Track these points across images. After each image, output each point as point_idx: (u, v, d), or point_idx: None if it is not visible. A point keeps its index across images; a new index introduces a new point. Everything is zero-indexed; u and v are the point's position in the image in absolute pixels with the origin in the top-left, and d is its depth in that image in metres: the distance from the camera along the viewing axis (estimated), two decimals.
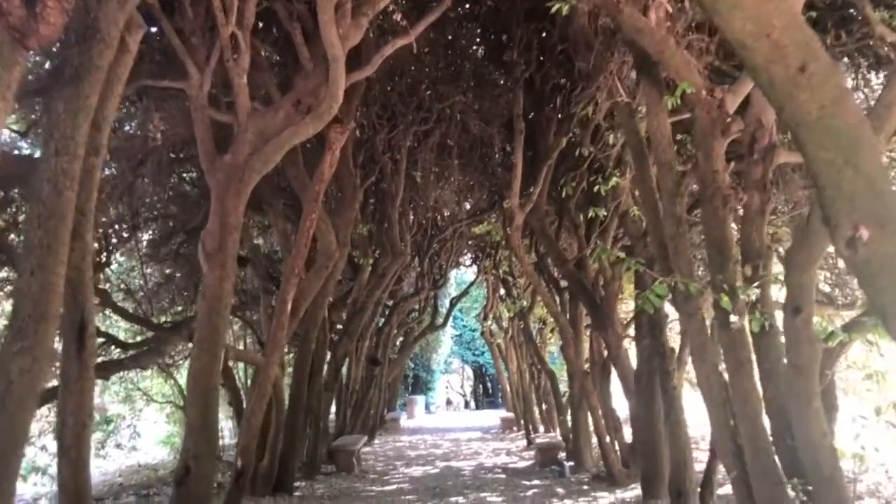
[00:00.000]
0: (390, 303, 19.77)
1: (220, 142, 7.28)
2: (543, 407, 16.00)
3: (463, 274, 31.51)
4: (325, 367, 12.68)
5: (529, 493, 10.20)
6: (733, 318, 4.64)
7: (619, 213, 8.16)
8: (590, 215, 9.27)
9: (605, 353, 11.29)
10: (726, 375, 5.12)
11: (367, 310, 13.06)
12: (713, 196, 4.85)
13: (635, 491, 9.64)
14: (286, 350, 12.95)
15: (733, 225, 5.93)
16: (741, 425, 4.81)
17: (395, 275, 15.02)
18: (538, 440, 13.49)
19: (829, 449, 4.30)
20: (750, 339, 4.87)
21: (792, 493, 4.59)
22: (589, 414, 11.71)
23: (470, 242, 21.98)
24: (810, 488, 4.45)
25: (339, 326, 14.76)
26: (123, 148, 9.01)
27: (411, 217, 17.26)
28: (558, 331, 13.16)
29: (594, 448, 13.06)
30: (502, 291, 22.11)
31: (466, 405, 42.64)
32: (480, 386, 42.60)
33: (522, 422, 19.87)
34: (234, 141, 6.73)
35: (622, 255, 5.20)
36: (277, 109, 6.80)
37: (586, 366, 11.83)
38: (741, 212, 5.55)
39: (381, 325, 18.67)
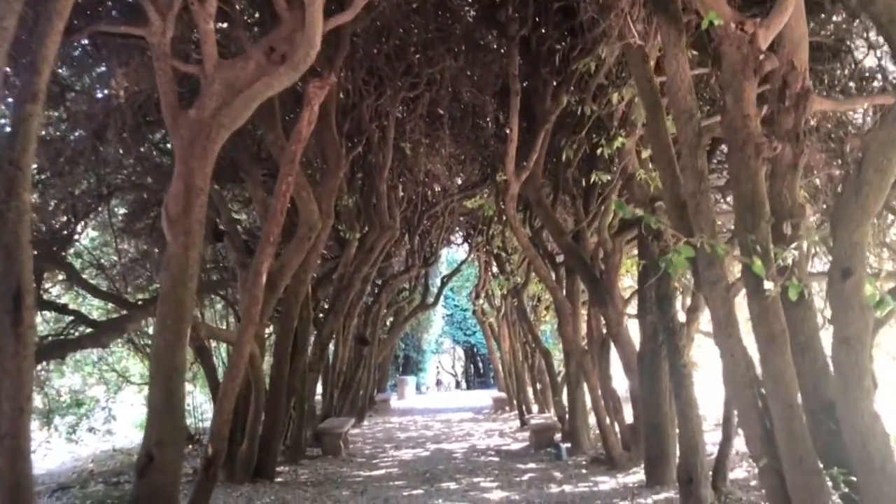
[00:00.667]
0: (379, 281, 19.16)
1: (187, 98, 6.60)
2: (538, 387, 15.46)
3: (454, 252, 30.87)
4: (310, 346, 12.08)
5: (525, 477, 9.65)
6: (767, 284, 4.03)
7: (625, 177, 7.52)
8: (592, 180, 8.64)
9: (605, 329, 10.76)
10: (754, 351, 4.54)
11: (353, 286, 12.42)
12: (744, 145, 4.21)
13: (638, 475, 9.11)
14: (268, 329, 12.37)
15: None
16: (773, 407, 4.21)
17: (383, 250, 14.38)
18: (533, 421, 12.95)
19: (881, 435, 3.71)
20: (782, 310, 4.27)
21: (832, 484, 4.03)
22: (587, 394, 11.20)
23: (461, 218, 21.35)
24: (854, 479, 3.88)
25: (326, 306, 14.18)
26: (84, 111, 8.29)
27: (401, 192, 16.61)
28: (555, 307, 12.57)
29: (591, 429, 12.58)
30: (495, 268, 21.53)
31: (457, 385, 42.20)
32: (471, 366, 42.14)
33: (515, 402, 19.38)
34: (200, 94, 6.04)
35: (640, 212, 4.57)
36: (248, 59, 6.10)
37: (584, 343, 11.28)
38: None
39: (369, 303, 18.05)
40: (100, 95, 8.74)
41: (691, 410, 6.83)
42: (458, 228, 23.41)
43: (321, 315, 12.70)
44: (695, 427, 6.83)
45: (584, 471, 9.92)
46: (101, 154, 9.15)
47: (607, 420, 10.00)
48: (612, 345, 10.69)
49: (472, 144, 15.39)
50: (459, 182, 18.98)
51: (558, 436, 12.72)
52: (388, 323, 23.96)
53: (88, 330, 10.08)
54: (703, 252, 4.30)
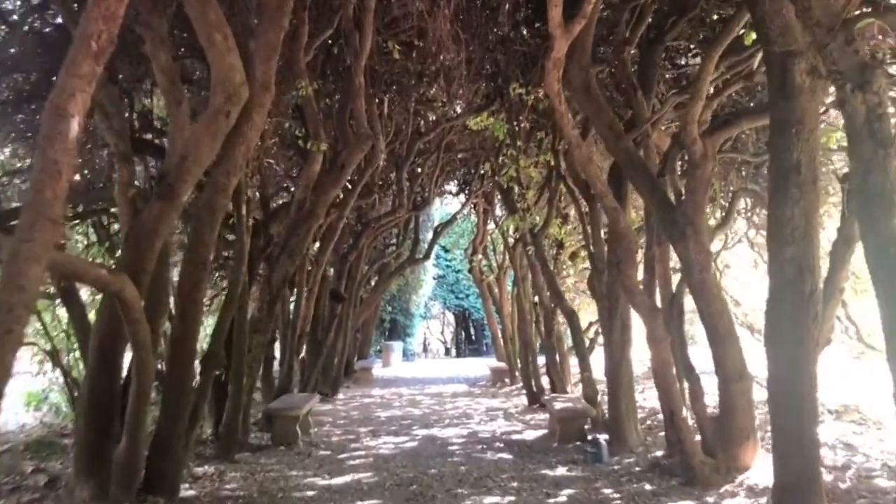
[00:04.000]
0: (358, 226, 15.79)
1: None
2: (557, 359, 12.16)
3: (448, 205, 27.37)
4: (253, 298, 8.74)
5: (562, 497, 6.39)
6: None
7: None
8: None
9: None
10: None
11: (316, 216, 8.98)
12: None
13: (738, 500, 5.90)
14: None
15: None
16: None
17: (363, 175, 11.01)
18: (556, 405, 9.67)
19: None
20: None
21: None
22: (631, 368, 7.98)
23: (459, 156, 17.86)
24: None
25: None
26: None
27: (386, 109, 13.15)
28: (589, 252, 9.26)
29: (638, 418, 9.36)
30: (498, 214, 18.16)
31: (447, 352, 39.12)
32: (462, 332, 38.91)
33: (520, 375, 16.16)
34: None
35: None
36: None
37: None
38: None
39: (346, 251, 14.64)
40: None
41: None
42: (453, 174, 19.98)
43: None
44: None
45: (646, 486, 6.67)
46: None
47: (684, 411, 6.74)
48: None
49: (479, 46, 11.92)
50: (458, 111, 15.56)
51: (589, 424, 9.54)
52: (372, 283, 20.64)
53: None
54: None
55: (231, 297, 7.10)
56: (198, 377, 6.77)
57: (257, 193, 8.77)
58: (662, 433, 9.06)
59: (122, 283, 4.78)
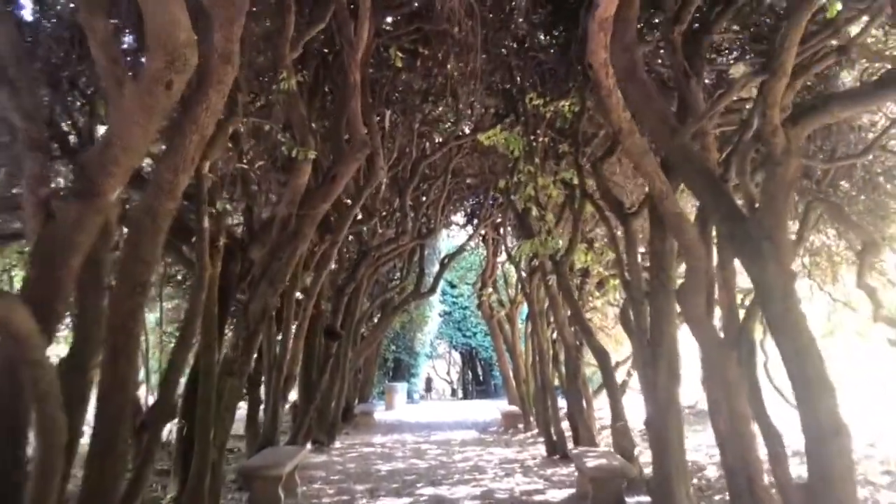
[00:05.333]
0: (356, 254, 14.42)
1: None
2: (583, 405, 10.59)
3: (454, 237, 26.01)
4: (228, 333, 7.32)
5: None
6: None
7: None
8: None
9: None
10: None
11: (303, 236, 7.60)
12: None
13: None
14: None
15: None
16: None
17: (362, 192, 9.67)
18: (587, 461, 8.13)
19: None
20: None
21: None
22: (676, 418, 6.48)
23: (469, 181, 16.58)
24: None
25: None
26: None
27: (387, 125, 11.89)
28: (632, 275, 7.81)
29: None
30: (510, 245, 16.76)
31: (454, 393, 37.38)
32: (469, 371, 37.16)
33: (535, 421, 14.65)
34: None
35: None
36: None
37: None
38: None
39: (343, 283, 13.22)
40: None
41: None
42: (461, 202, 18.71)
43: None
44: None
45: None
46: None
47: (763, 475, 5.25)
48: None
49: (492, 52, 10.69)
50: (467, 131, 14.35)
51: (625, 484, 7.99)
52: (374, 319, 19.21)
53: None
54: None
55: (187, 332, 5.66)
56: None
57: (228, 207, 7.39)
58: (718, 497, 7.59)
59: (4, 311, 3.37)
